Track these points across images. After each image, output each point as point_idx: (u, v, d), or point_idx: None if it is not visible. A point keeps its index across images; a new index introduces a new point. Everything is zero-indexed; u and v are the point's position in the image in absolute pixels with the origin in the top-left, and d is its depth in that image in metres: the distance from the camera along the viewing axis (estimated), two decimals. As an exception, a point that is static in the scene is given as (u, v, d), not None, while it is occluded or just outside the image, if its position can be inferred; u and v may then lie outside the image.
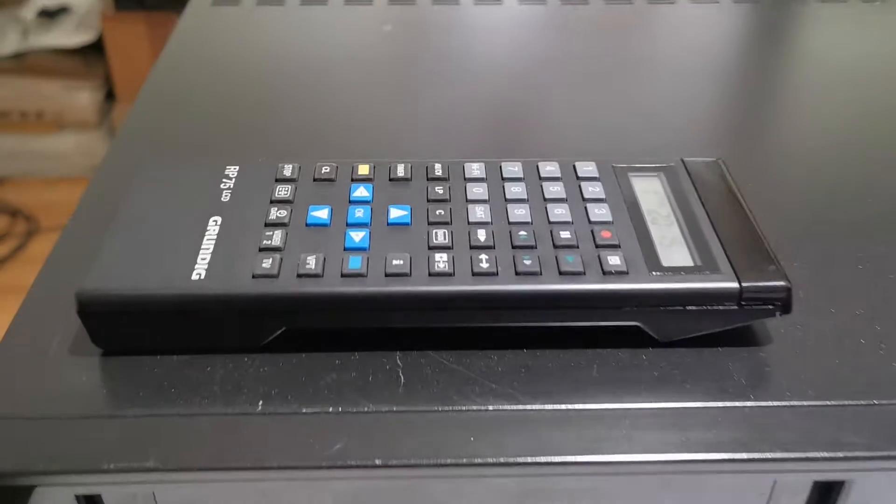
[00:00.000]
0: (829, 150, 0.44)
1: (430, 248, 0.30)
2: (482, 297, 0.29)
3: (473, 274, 0.29)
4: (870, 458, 0.27)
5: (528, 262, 0.29)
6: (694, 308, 0.29)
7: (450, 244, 0.30)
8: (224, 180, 0.33)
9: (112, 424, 0.27)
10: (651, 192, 0.34)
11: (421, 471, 0.27)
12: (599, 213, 0.32)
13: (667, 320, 0.30)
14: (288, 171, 0.34)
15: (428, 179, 0.34)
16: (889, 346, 0.30)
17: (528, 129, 0.46)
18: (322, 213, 0.32)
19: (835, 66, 0.54)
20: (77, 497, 0.28)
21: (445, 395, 0.28)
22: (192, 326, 0.29)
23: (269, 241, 0.30)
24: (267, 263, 0.29)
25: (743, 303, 0.29)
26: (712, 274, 0.29)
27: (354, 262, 0.29)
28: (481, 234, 0.31)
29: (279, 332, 0.29)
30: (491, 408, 0.28)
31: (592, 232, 0.31)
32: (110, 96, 1.62)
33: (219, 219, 0.31)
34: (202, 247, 0.30)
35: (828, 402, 0.28)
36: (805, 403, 0.28)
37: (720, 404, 0.28)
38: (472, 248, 0.30)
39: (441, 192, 0.33)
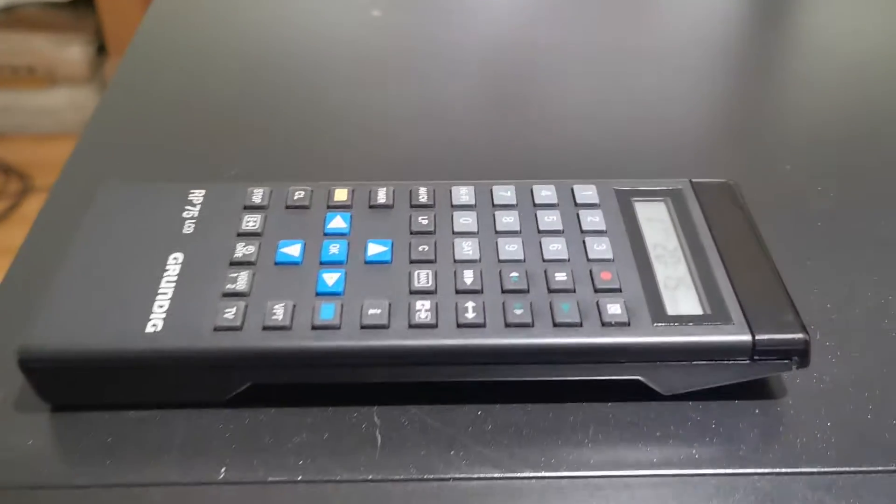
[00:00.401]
0: (856, 155, 0.41)
1: (411, 292, 0.27)
2: (468, 351, 0.26)
3: (458, 325, 0.26)
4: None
5: (518, 312, 0.27)
6: (702, 363, 0.26)
7: (433, 288, 0.27)
8: (188, 208, 0.30)
9: (57, 497, 0.25)
10: (656, 221, 0.31)
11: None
12: (599, 248, 0.29)
13: (671, 374, 0.27)
14: (258, 196, 0.31)
15: (412, 206, 0.31)
16: (917, 399, 0.28)
17: (521, 129, 0.43)
18: (293, 250, 0.29)
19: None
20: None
21: (427, 460, 0.26)
22: (148, 382, 0.27)
23: (234, 285, 0.27)
24: (230, 313, 0.26)
25: (756, 357, 0.26)
26: (723, 325, 0.27)
27: (326, 312, 0.26)
28: (468, 277, 0.28)
29: (245, 386, 0.27)
30: (477, 476, 0.26)
31: (591, 272, 0.28)
32: (102, 50, 1.58)
33: (180, 256, 0.29)
34: (160, 291, 0.27)
35: (849, 469, 0.26)
36: (824, 470, 0.26)
37: (731, 471, 0.26)
38: (457, 292, 0.27)
39: (425, 222, 0.30)
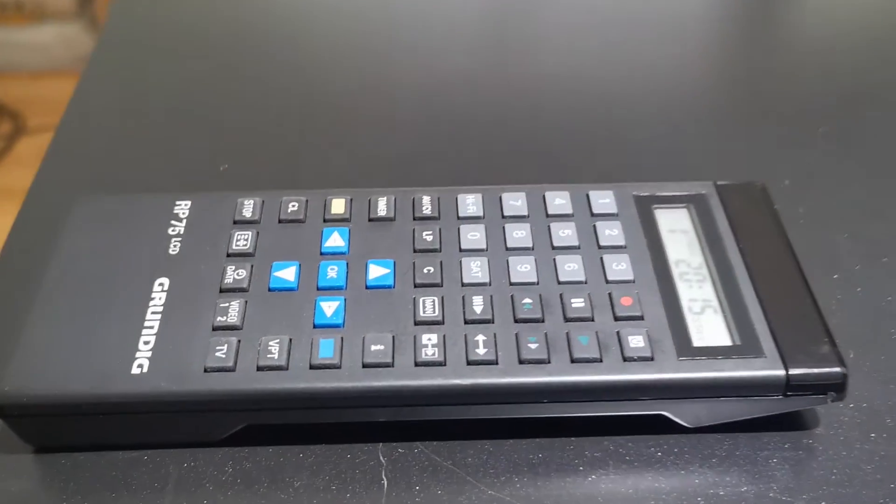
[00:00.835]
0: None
1: (416, 322, 0.25)
2: (479, 391, 0.24)
3: (468, 363, 0.24)
4: None
5: (533, 347, 0.25)
6: (731, 399, 0.25)
7: (440, 318, 0.25)
8: (173, 223, 0.28)
9: (43, 556, 0.23)
10: (679, 233, 0.28)
11: None
12: (619, 268, 0.27)
13: (697, 409, 0.25)
14: (248, 209, 0.29)
15: (415, 219, 0.28)
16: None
17: (527, 120, 0.40)
18: (288, 274, 0.27)
19: None
20: None
21: (435, 505, 0.24)
22: (136, 425, 0.25)
23: (225, 317, 0.25)
24: (222, 352, 0.24)
25: (790, 393, 0.24)
26: (753, 359, 0.25)
27: (326, 349, 0.25)
28: (477, 304, 0.26)
29: (239, 427, 0.25)
30: (488, 523, 0.24)
31: (611, 297, 0.26)
32: (90, -15, 1.53)
33: (165, 282, 0.26)
34: (145, 324, 0.25)
35: (886, 512, 0.24)
36: (859, 513, 0.24)
37: (759, 516, 0.24)
38: (466, 322, 0.25)
39: (430, 238, 0.28)
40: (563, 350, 0.25)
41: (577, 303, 0.26)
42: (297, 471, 0.25)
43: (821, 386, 0.24)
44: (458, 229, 0.28)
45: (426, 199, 0.29)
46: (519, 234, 0.28)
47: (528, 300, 0.26)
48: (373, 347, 0.25)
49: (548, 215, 0.28)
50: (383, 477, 0.25)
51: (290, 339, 0.25)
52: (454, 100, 0.40)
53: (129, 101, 0.40)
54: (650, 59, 0.43)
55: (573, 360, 0.24)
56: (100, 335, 0.25)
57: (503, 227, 0.28)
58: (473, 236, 0.28)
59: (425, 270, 0.27)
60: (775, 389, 0.24)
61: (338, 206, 0.29)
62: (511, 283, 0.26)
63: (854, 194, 0.34)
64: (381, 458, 0.25)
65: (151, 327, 0.25)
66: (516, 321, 0.25)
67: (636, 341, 0.25)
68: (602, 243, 0.28)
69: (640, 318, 0.25)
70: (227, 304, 0.26)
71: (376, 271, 0.27)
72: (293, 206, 0.29)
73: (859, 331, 0.28)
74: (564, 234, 0.28)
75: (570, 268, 0.27)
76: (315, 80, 0.42)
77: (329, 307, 0.26)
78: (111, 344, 0.25)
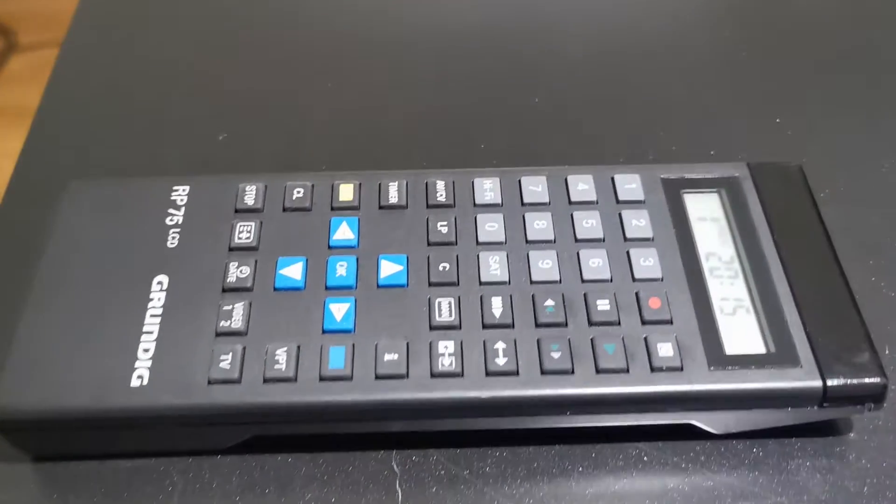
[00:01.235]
0: None
1: (432, 327, 0.24)
2: (498, 404, 0.23)
3: (487, 373, 0.23)
4: None
5: (556, 356, 0.23)
6: (763, 409, 0.23)
7: (456, 323, 0.24)
8: (171, 212, 0.26)
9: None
10: (709, 221, 0.27)
11: None
12: (646, 264, 0.25)
13: (727, 417, 0.24)
14: (251, 196, 0.27)
15: (428, 206, 0.27)
16: None
17: (542, 87, 0.38)
18: (294, 272, 0.25)
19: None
20: None
21: (452, 521, 0.23)
22: (136, 437, 0.24)
23: (228, 322, 0.24)
24: (226, 361, 0.23)
25: (825, 404, 0.23)
26: (789, 368, 0.23)
27: (336, 359, 0.23)
28: (496, 307, 0.24)
29: (246, 437, 0.24)
30: (507, 539, 0.23)
31: (638, 297, 0.24)
32: None
33: (164, 280, 0.25)
34: (144, 329, 0.24)
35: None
36: (895, 526, 0.23)
37: (790, 531, 0.23)
38: (485, 326, 0.24)
39: (445, 229, 0.26)
40: (588, 359, 0.23)
41: (603, 305, 0.24)
42: (307, 481, 0.24)
43: (859, 397, 0.23)
44: (475, 219, 0.26)
45: (440, 185, 0.27)
46: (540, 225, 0.26)
47: (550, 302, 0.24)
48: (386, 357, 0.23)
49: (570, 202, 0.27)
50: (397, 488, 0.24)
51: (298, 347, 0.23)
52: (467, 59, 0.38)
53: (118, 67, 0.38)
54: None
55: (598, 371, 0.23)
56: (96, 342, 0.24)
57: (523, 217, 0.26)
58: (491, 227, 0.26)
59: (440, 267, 0.25)
60: (811, 401, 0.23)
61: (346, 192, 0.27)
62: (532, 282, 0.25)
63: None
64: (395, 467, 0.24)
65: (151, 332, 0.24)
66: (538, 325, 0.24)
67: (665, 349, 0.23)
68: (628, 235, 0.26)
69: (669, 321, 0.24)
70: (230, 307, 0.24)
71: (388, 268, 0.25)
72: (298, 192, 0.27)
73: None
74: (588, 224, 0.26)
75: (595, 264, 0.25)
76: (316, 37, 0.39)
77: (339, 310, 0.24)
78: (109, 352, 0.23)
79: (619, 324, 0.24)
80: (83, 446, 0.24)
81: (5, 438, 0.24)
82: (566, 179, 0.27)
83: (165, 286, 0.25)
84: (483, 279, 0.25)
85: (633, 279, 0.25)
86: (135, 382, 0.23)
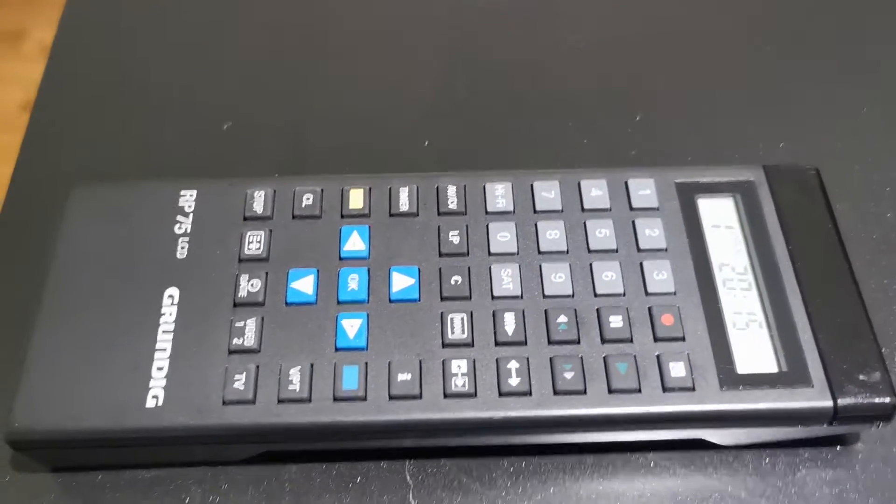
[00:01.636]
0: None
1: (444, 345, 0.24)
2: (510, 423, 0.23)
3: (501, 394, 0.23)
4: None
5: (569, 376, 0.23)
6: (773, 427, 0.24)
7: (469, 340, 0.24)
8: (179, 219, 0.26)
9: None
10: (723, 229, 0.26)
11: None
12: (659, 277, 0.25)
13: (737, 433, 0.24)
14: (259, 203, 0.26)
15: (439, 214, 0.26)
16: None
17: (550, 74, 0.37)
18: (306, 285, 0.25)
19: None
20: None
21: (465, 535, 0.24)
22: (151, 454, 0.24)
23: (241, 339, 0.24)
24: (240, 382, 0.23)
25: (835, 422, 0.23)
26: (801, 388, 0.23)
27: (350, 380, 0.23)
28: (509, 323, 0.24)
29: (260, 452, 0.24)
30: (521, 553, 0.24)
31: (651, 312, 0.24)
32: None
33: (175, 293, 0.25)
34: (157, 346, 0.24)
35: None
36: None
37: (797, 545, 0.24)
38: (497, 343, 0.24)
39: (457, 239, 0.26)
40: (601, 378, 0.23)
41: (616, 321, 0.24)
42: (321, 493, 0.24)
43: (868, 417, 0.23)
44: (487, 227, 0.26)
45: (451, 190, 0.27)
46: (553, 235, 0.26)
47: (563, 319, 0.24)
48: (399, 377, 0.23)
49: (583, 209, 0.26)
50: (411, 500, 0.24)
51: (312, 366, 0.23)
52: (477, 52, 0.36)
53: (117, 54, 0.37)
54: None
55: (611, 391, 0.23)
56: (110, 359, 0.24)
57: (535, 225, 0.26)
58: (503, 237, 0.26)
59: (452, 280, 0.25)
60: (821, 419, 0.23)
61: (356, 198, 0.27)
62: (545, 296, 0.25)
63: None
64: (408, 478, 0.25)
65: (164, 350, 0.24)
66: (550, 343, 0.24)
67: (677, 369, 0.23)
68: (642, 246, 0.26)
69: (682, 339, 0.24)
70: (242, 323, 0.24)
71: (400, 281, 0.25)
72: (308, 198, 0.26)
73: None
74: (602, 234, 0.26)
75: (608, 277, 0.25)
76: (321, 26, 0.37)
77: (351, 327, 0.24)
78: (123, 370, 0.23)
79: (632, 340, 0.24)
80: (99, 460, 0.24)
81: (23, 455, 0.24)
82: (579, 184, 0.27)
83: (176, 300, 0.25)
84: (495, 293, 0.25)
85: (646, 293, 0.25)
86: (150, 403, 0.23)
